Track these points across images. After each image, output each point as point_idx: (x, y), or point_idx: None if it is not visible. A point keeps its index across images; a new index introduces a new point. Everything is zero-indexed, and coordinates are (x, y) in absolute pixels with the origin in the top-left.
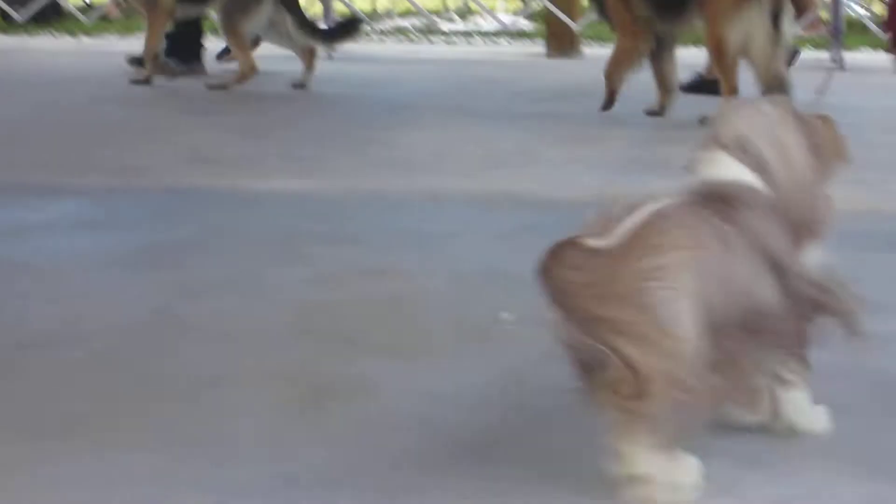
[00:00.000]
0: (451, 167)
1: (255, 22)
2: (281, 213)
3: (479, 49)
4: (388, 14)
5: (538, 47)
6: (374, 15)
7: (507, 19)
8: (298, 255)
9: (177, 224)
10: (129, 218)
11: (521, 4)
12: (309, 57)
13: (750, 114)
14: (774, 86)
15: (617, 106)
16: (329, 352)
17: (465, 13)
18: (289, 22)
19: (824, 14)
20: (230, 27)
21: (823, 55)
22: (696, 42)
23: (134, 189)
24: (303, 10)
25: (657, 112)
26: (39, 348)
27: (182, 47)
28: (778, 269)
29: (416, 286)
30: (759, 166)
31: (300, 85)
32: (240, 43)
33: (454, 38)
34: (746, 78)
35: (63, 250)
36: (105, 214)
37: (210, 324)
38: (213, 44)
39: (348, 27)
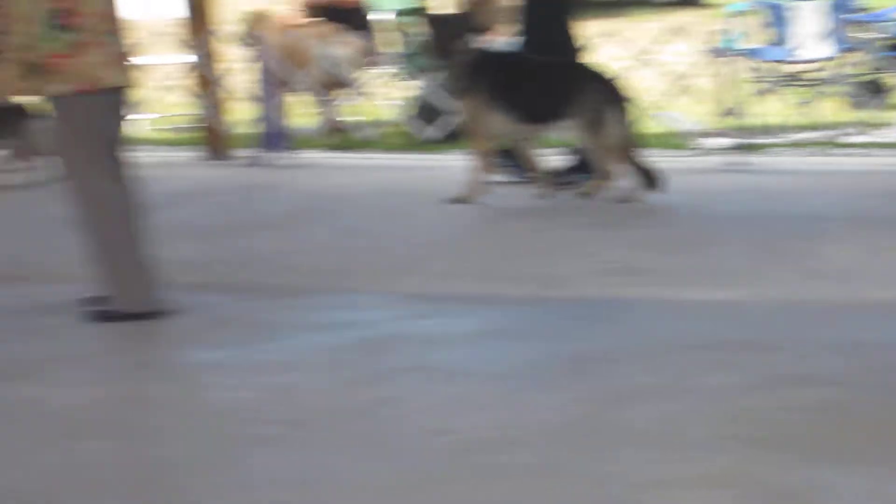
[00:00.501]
0: (876, 276)
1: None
2: (704, 321)
3: (881, 160)
4: (784, 128)
5: None
6: (768, 129)
7: None
8: (725, 361)
9: (600, 333)
10: (551, 327)
11: None
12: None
13: None
14: None
15: None
16: (763, 458)
17: (865, 126)
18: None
19: None
20: (602, 142)
21: None
22: None
23: (553, 299)
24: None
25: None
26: (476, 453)
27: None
28: None
29: (843, 393)
30: None
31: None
32: (617, 156)
33: (854, 150)
34: None
35: (490, 357)
36: (528, 323)
37: (643, 429)
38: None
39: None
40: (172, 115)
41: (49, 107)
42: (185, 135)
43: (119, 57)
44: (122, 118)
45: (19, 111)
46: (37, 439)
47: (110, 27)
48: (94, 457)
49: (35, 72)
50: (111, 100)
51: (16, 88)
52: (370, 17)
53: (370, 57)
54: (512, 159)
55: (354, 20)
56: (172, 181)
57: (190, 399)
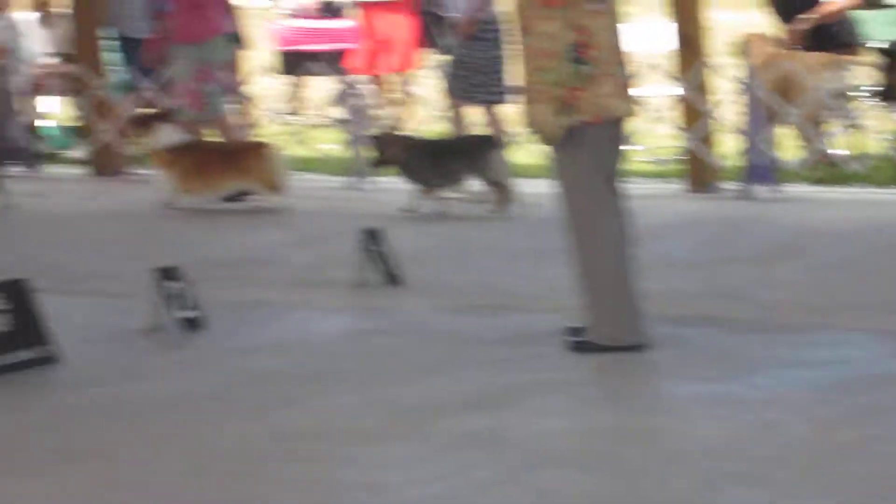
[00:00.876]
0: None
1: None
2: None
3: None
4: None
5: None
6: None
7: None
8: None
9: None
10: None
11: None
12: None
13: None
14: None
15: None
16: None
17: None
18: None
19: None
20: None
21: None
22: None
23: None
24: None
25: None
26: None
27: None
28: None
29: None
30: None
31: None
32: None
33: None
34: None
35: None
36: None
37: None
38: None
39: None
40: (658, 148)
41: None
42: (670, 167)
43: (624, 88)
44: (621, 150)
45: (489, 142)
46: (500, 468)
47: (618, 58)
48: (557, 486)
49: (561, 106)
50: (613, 132)
51: (551, 125)
52: (857, 38)
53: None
54: None
55: (840, 38)
56: (656, 213)
57: (664, 432)
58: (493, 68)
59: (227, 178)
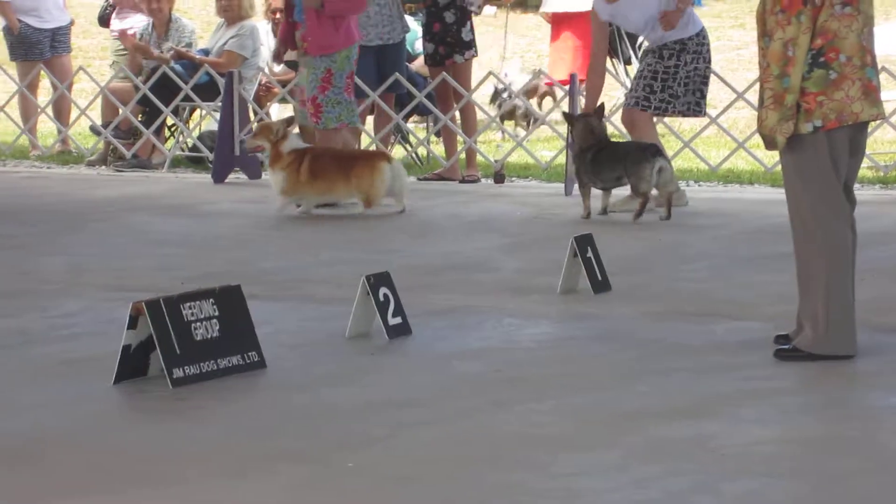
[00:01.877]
0: None
1: None
2: None
3: None
4: None
5: None
6: None
7: None
8: None
9: None
10: None
11: None
12: None
13: None
14: None
15: None
16: None
17: None
18: None
19: None
20: None
21: None
22: None
23: None
24: None
25: None
26: None
27: None
28: None
29: None
30: None
31: None
32: None
33: None
34: None
35: None
36: None
37: None
38: None
39: None
40: (876, 154)
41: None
42: (892, 173)
43: (871, 91)
44: (861, 156)
45: (651, 150)
46: (701, 477)
47: (866, 61)
48: (758, 496)
49: (796, 112)
50: (856, 136)
51: (783, 130)
52: None
53: None
54: None
55: None
56: (873, 220)
57: (871, 443)
58: (694, 81)
59: (335, 185)
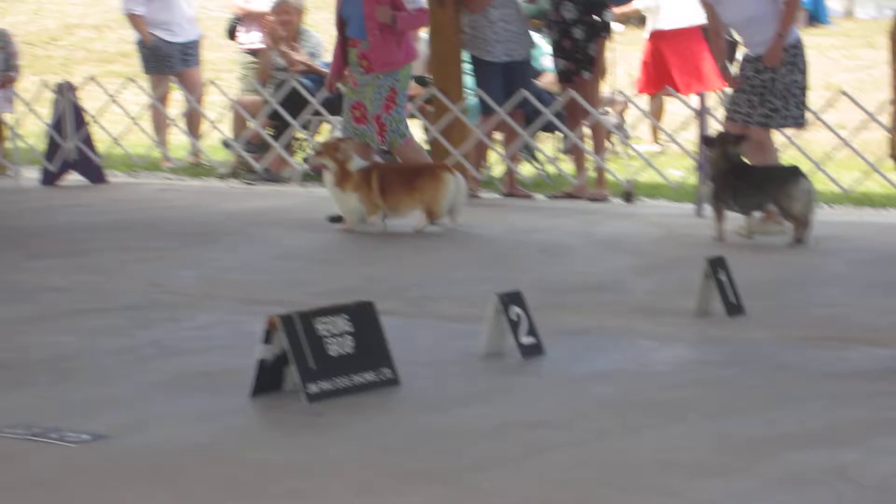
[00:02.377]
0: None
1: None
2: None
3: None
4: None
5: None
6: None
7: None
8: None
9: None
10: None
11: None
12: None
13: None
14: None
15: None
16: None
17: None
18: None
19: None
20: None
21: None
22: None
23: None
24: None
25: None
26: None
27: None
28: None
29: None
30: None
31: None
32: None
33: None
34: None
35: None
36: None
37: None
38: None
39: None
40: None
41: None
42: None
43: None
44: None
45: (795, 171)
46: None
47: None
48: None
49: None
50: None
51: None
52: None
53: None
54: None
55: None
56: None
57: None
58: (793, 93)
59: (402, 200)
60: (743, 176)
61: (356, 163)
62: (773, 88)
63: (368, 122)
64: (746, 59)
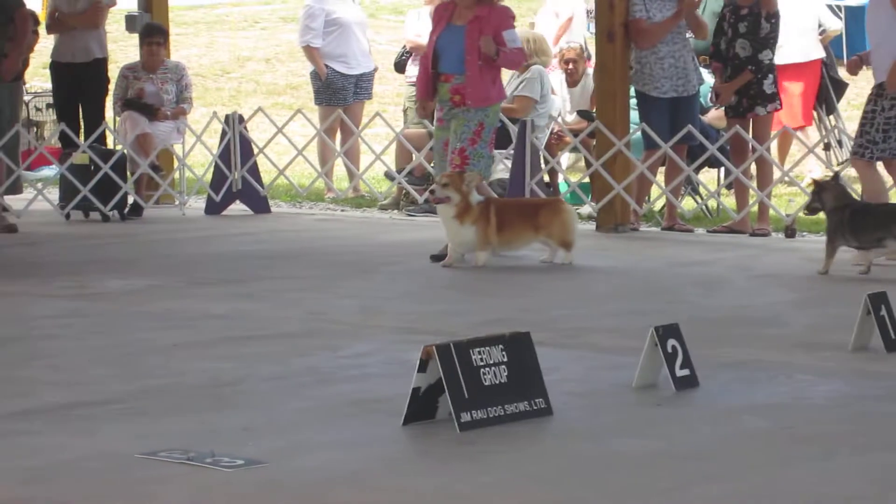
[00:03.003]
0: None
1: None
2: None
3: None
4: None
5: None
6: None
7: None
8: None
9: None
10: None
11: None
12: None
13: None
14: None
15: None
16: None
17: None
18: None
19: None
20: None
21: None
22: None
23: None
24: None
25: None
26: None
27: None
28: None
29: None
30: None
31: None
32: None
33: None
34: None
35: None
36: None
37: None
38: None
39: None
40: None
41: None
42: None
43: None
44: None
45: None
46: None
47: None
48: None
49: None
50: None
51: None
52: None
53: None
54: None
55: None
56: None
57: None
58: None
59: (525, 232)
60: (859, 212)
61: (475, 196)
62: (874, 121)
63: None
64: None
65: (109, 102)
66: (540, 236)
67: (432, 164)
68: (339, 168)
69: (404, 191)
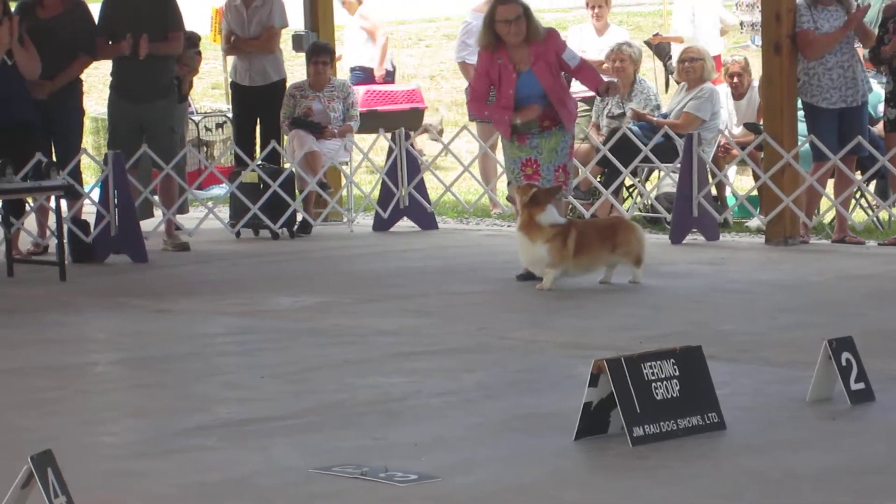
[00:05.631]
0: None
1: None
2: None
3: None
4: None
5: None
6: None
7: None
8: None
9: None
10: None
11: None
12: None
13: None
14: None
15: None
16: None
17: None
18: None
19: None
20: None
21: None
22: None
23: None
24: None
25: None
26: None
27: None
28: None
29: None
30: None
31: None
32: None
33: None
34: None
35: None
36: None
37: None
38: None
39: None
40: None
41: None
42: None
43: None
44: None
45: None
46: None
47: None
48: None
49: None
50: None
51: None
52: None
53: None
54: None
55: None
56: None
57: None
58: None
59: (602, 253)
60: None
61: (550, 217)
62: None
63: (542, 177)
64: None
65: None
66: (618, 257)
67: (598, 178)
68: (503, 183)
69: (571, 206)
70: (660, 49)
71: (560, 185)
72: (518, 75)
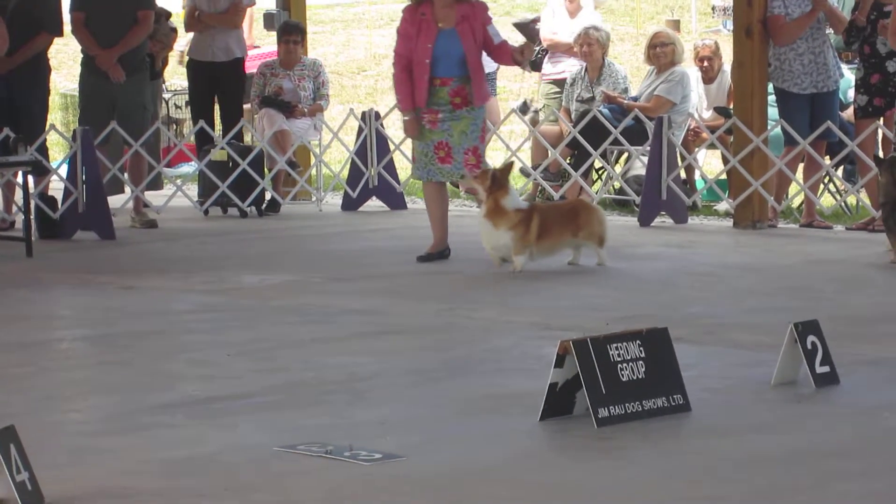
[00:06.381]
0: None
1: None
2: None
3: None
4: None
5: None
6: None
7: None
8: None
9: None
10: None
11: None
12: None
13: None
14: None
15: None
16: None
17: None
18: None
19: None
20: None
21: None
22: None
23: None
24: None
25: None
26: None
27: None
28: None
29: None
30: None
31: None
32: None
33: None
34: None
35: None
36: None
37: None
38: None
39: None
40: None
41: None
42: None
43: None
44: None
45: None
46: None
47: None
48: None
49: None
50: None
51: None
52: None
53: None
54: None
55: None
56: None
57: None
58: None
59: (565, 236)
60: None
61: (513, 202)
62: None
63: (454, 160)
64: None
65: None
66: (578, 239)
67: (568, 160)
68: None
69: (540, 187)
70: (525, 28)
71: (512, 163)
72: (440, 31)
